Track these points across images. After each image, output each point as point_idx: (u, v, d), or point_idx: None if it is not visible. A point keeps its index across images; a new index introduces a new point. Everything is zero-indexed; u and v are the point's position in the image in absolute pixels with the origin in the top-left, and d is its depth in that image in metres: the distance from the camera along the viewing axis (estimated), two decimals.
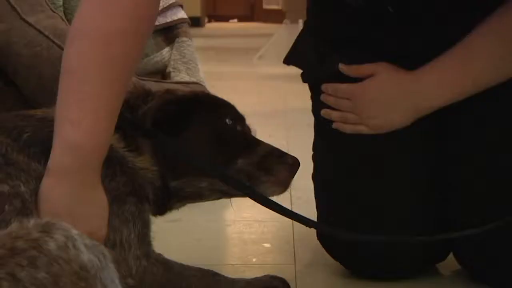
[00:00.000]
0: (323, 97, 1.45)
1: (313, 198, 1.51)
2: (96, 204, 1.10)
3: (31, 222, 0.81)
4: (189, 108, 1.25)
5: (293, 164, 1.27)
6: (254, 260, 1.58)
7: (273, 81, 4.25)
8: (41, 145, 1.14)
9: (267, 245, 1.63)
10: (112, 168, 1.19)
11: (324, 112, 1.44)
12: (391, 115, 1.38)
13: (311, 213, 1.51)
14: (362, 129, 1.40)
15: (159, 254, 1.23)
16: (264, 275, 1.37)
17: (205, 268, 1.26)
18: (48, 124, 1.16)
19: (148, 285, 1.17)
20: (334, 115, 1.43)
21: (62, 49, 1.66)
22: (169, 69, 1.98)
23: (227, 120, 1.27)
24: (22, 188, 1.08)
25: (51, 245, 0.78)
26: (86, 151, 1.06)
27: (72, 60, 1.08)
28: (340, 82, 1.42)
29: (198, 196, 1.29)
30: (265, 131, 2.46)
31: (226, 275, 1.32)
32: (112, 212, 1.16)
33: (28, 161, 1.12)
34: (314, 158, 1.54)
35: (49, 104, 1.65)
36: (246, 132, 1.30)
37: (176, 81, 1.94)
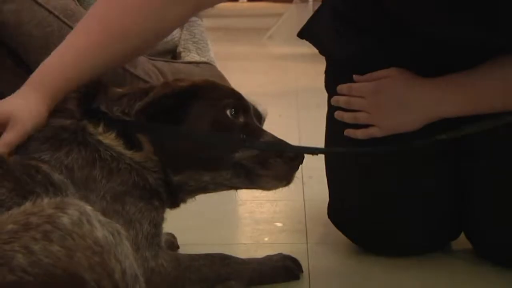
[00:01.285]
0: (333, 100, 1.44)
1: (324, 177, 1.51)
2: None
3: (45, 200, 0.81)
4: (186, 100, 1.23)
5: (295, 157, 1.23)
6: (266, 239, 1.58)
7: (283, 61, 4.23)
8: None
9: (279, 224, 1.63)
10: (107, 168, 1.17)
11: (337, 114, 1.43)
12: (404, 116, 1.37)
13: (323, 193, 1.51)
14: (374, 132, 1.38)
15: (168, 252, 1.22)
16: (276, 254, 1.38)
17: (218, 247, 1.26)
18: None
19: (155, 285, 1.17)
20: (346, 116, 1.42)
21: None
22: (180, 49, 1.97)
23: (228, 112, 1.24)
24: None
25: (65, 220, 0.78)
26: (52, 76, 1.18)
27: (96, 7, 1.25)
28: (356, 67, 1.41)
29: (203, 190, 1.27)
30: (275, 111, 2.45)
31: (238, 254, 1.33)
32: (116, 212, 1.15)
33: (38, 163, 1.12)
34: (326, 136, 1.53)
35: None
36: (249, 123, 1.26)
37: (187, 61, 1.93)
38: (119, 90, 1.27)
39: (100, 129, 1.20)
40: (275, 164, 1.22)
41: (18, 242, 0.76)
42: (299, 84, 3.36)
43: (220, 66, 2.01)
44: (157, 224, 1.22)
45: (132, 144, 1.21)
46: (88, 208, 0.81)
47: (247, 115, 1.26)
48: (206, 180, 1.25)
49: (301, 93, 3.14)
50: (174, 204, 1.28)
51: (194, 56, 1.96)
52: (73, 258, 0.76)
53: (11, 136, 1.12)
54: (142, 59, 1.79)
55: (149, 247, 1.18)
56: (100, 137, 1.19)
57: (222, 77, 1.95)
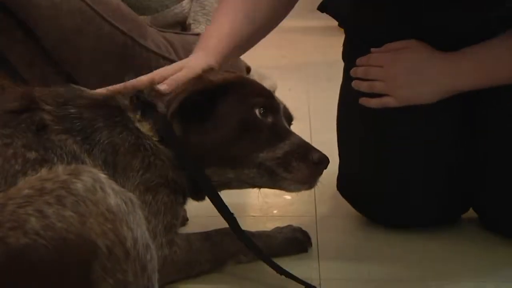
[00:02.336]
0: (352, 71, 1.45)
1: (334, 150, 1.51)
2: None
3: (60, 167, 0.82)
4: (216, 98, 1.22)
5: (319, 162, 1.22)
6: (275, 212, 1.58)
7: (293, 35, 4.21)
8: (81, 122, 1.15)
9: (288, 197, 1.64)
10: (147, 160, 1.19)
11: (354, 83, 1.44)
12: (421, 87, 1.37)
13: (332, 165, 1.50)
14: (389, 101, 1.39)
15: (181, 236, 1.23)
16: (285, 226, 1.38)
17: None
18: (92, 103, 1.18)
19: (167, 271, 1.18)
20: (363, 85, 1.42)
21: (82, 0, 1.67)
22: (189, 20, 1.97)
23: (257, 110, 1.23)
24: (55, 160, 1.08)
25: (79, 186, 0.79)
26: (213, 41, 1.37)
27: None
28: (375, 39, 1.42)
29: (227, 186, 1.27)
30: (285, 85, 2.45)
31: (247, 227, 1.33)
32: (145, 202, 1.16)
33: (63, 136, 1.13)
34: (339, 107, 1.54)
35: (72, 57, 1.68)
36: (277, 124, 1.25)
37: (196, 33, 1.92)
38: None
39: (138, 116, 1.21)
40: (298, 168, 1.21)
41: (32, 206, 0.76)
42: (310, 58, 3.35)
43: None
44: (178, 216, 1.24)
45: (163, 138, 1.21)
46: (102, 175, 0.82)
47: (276, 115, 1.25)
48: (230, 177, 1.24)
49: (311, 66, 3.13)
50: (199, 198, 1.29)
51: (203, 28, 1.95)
52: (85, 223, 0.77)
53: (179, 75, 1.27)
54: (152, 31, 1.78)
55: (166, 235, 1.20)
56: (138, 124, 1.20)
57: None
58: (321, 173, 1.23)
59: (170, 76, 1.26)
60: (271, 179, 1.23)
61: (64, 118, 1.15)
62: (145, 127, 1.20)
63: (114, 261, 0.78)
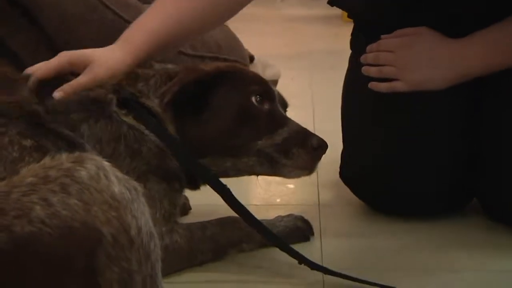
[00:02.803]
0: (362, 57, 1.45)
1: (336, 141, 1.51)
2: None
3: (63, 155, 0.82)
4: (211, 86, 1.21)
5: (318, 147, 1.22)
6: (278, 200, 1.59)
7: (296, 23, 4.20)
8: (62, 115, 1.15)
9: (291, 186, 1.64)
10: (132, 147, 1.18)
11: (364, 68, 1.44)
12: (432, 72, 1.38)
13: (335, 153, 1.51)
14: (398, 86, 1.39)
15: (182, 225, 1.23)
16: (287, 215, 1.38)
17: (229, 208, 1.27)
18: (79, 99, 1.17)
19: (168, 261, 1.18)
20: (373, 70, 1.43)
21: None
22: None
23: (253, 98, 1.23)
24: (49, 146, 1.09)
25: (83, 174, 0.79)
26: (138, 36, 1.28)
27: None
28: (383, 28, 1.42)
29: (224, 174, 1.26)
30: (288, 74, 2.44)
31: None
32: None
33: (56, 125, 1.13)
34: (345, 92, 1.54)
35: (75, 45, 1.67)
36: (274, 111, 1.25)
37: None
38: (150, 68, 1.26)
39: (124, 111, 1.20)
40: (298, 154, 1.21)
41: (37, 194, 0.76)
42: (312, 47, 3.34)
43: (233, 28, 2.00)
44: (176, 204, 1.23)
45: (153, 127, 1.20)
46: (106, 163, 0.81)
47: (272, 102, 1.25)
48: (228, 165, 1.24)
49: (314, 55, 3.12)
50: (195, 186, 1.29)
51: None
52: (90, 211, 0.77)
53: (82, 80, 1.19)
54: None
55: (166, 224, 1.19)
56: (123, 117, 1.19)
57: (235, 37, 1.94)
58: (320, 158, 1.23)
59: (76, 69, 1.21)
60: (271, 166, 1.23)
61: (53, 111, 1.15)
62: (127, 117, 1.19)
63: (118, 249, 0.78)
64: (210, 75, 1.22)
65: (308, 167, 1.23)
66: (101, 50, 1.24)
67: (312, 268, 1.19)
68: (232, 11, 1.38)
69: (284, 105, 1.30)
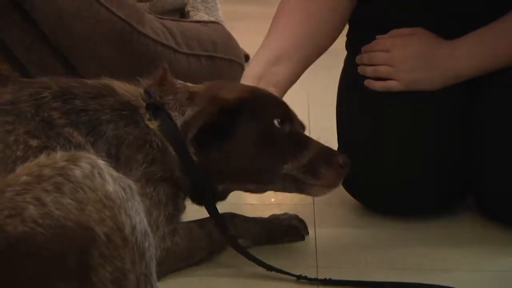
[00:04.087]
0: (358, 58, 1.46)
1: (332, 138, 1.51)
2: None
3: (58, 153, 0.81)
4: (234, 115, 1.21)
5: (343, 165, 1.23)
6: (272, 199, 1.58)
7: None
8: (86, 114, 1.15)
9: None
10: (151, 156, 1.18)
11: (359, 68, 1.45)
12: (427, 72, 1.39)
13: None
14: (392, 85, 1.40)
15: (182, 225, 1.23)
16: (282, 214, 1.39)
17: (225, 207, 1.27)
18: (98, 94, 1.17)
19: (169, 262, 1.19)
20: (368, 69, 1.44)
21: None
22: (188, 7, 1.96)
23: (275, 121, 1.22)
24: (57, 149, 1.09)
25: (77, 173, 0.78)
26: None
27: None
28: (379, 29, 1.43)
29: (244, 190, 1.29)
30: None
31: (245, 214, 1.34)
32: (145, 194, 1.16)
33: (70, 129, 1.13)
34: (340, 91, 1.55)
35: (69, 42, 1.67)
36: (295, 132, 1.25)
37: (195, 20, 1.92)
38: (176, 82, 1.26)
39: (148, 115, 1.20)
40: (326, 173, 1.22)
41: (30, 193, 0.76)
42: None
43: (229, 26, 2.00)
44: (180, 210, 1.24)
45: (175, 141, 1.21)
46: (101, 162, 0.81)
47: (292, 123, 1.25)
48: (250, 188, 1.26)
49: None
50: (199, 203, 1.28)
51: (202, 16, 1.95)
52: (84, 210, 0.77)
53: None
54: (150, 17, 1.78)
55: (168, 225, 1.20)
56: (150, 124, 1.20)
57: (230, 36, 1.94)
58: (345, 174, 1.24)
59: None
60: (297, 187, 1.24)
61: (70, 111, 1.14)
62: (154, 125, 1.20)
63: (112, 248, 0.78)
64: (233, 105, 1.21)
65: (335, 185, 1.25)
66: None
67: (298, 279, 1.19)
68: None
69: (302, 126, 1.30)
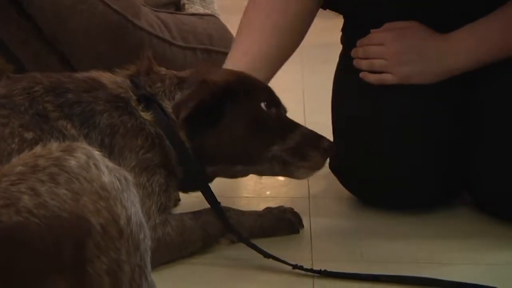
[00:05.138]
0: (353, 51, 1.46)
1: (327, 132, 1.51)
2: None
3: (54, 144, 0.81)
4: (223, 98, 1.24)
5: (328, 149, 1.27)
6: (268, 193, 1.59)
7: None
8: (80, 106, 1.16)
9: (281, 178, 1.63)
10: (151, 140, 1.20)
11: (355, 61, 1.46)
12: (422, 66, 1.39)
13: None
14: (387, 78, 1.41)
15: (174, 216, 1.24)
16: (277, 207, 1.39)
17: (220, 200, 1.27)
18: (89, 87, 1.19)
19: (161, 252, 1.20)
20: (363, 63, 1.44)
21: None
22: (183, 0, 1.96)
23: (262, 105, 1.26)
24: (51, 141, 1.09)
25: (72, 163, 0.78)
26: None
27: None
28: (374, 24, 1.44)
29: (230, 177, 1.32)
30: None
31: (240, 208, 1.34)
32: (138, 183, 1.17)
33: (63, 122, 1.14)
34: (335, 85, 1.55)
35: (65, 36, 1.66)
36: (281, 115, 1.29)
37: (190, 13, 1.91)
38: (161, 70, 1.28)
39: (141, 106, 1.22)
40: (313, 156, 1.26)
41: (25, 183, 0.76)
42: (304, 40, 3.33)
43: (224, 19, 1.99)
44: (171, 200, 1.25)
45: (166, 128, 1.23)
46: (96, 153, 0.81)
47: (278, 107, 1.29)
48: (238, 170, 1.28)
49: (306, 48, 3.11)
50: (187, 190, 1.31)
51: (198, 8, 1.95)
52: (79, 201, 0.76)
53: None
54: (146, 10, 1.77)
55: (159, 215, 1.21)
56: (142, 113, 1.22)
57: (226, 29, 1.93)
58: (328, 157, 1.30)
59: None
60: (282, 169, 1.27)
61: (63, 104, 1.16)
62: (148, 116, 1.22)
63: (108, 239, 0.78)
64: (223, 88, 1.24)
65: (319, 167, 1.29)
66: None
67: (293, 268, 1.20)
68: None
69: (284, 109, 1.32)
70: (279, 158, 1.26)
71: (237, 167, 1.27)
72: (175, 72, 1.30)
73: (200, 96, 1.22)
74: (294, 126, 1.28)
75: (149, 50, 1.30)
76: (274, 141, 1.25)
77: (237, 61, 1.40)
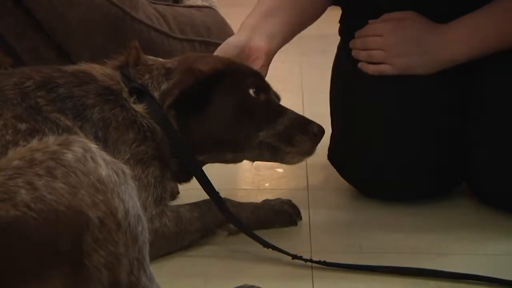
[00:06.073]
0: (351, 42, 1.46)
1: (325, 123, 1.50)
2: None
3: (51, 138, 0.81)
4: (210, 86, 1.23)
5: (318, 133, 1.26)
6: (266, 185, 1.59)
7: None
8: (71, 101, 1.16)
9: (280, 170, 1.64)
10: (143, 133, 1.20)
11: (353, 52, 1.46)
12: (419, 57, 1.39)
13: (323, 140, 1.50)
14: (385, 69, 1.41)
15: (171, 208, 1.24)
16: (274, 199, 1.39)
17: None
18: (80, 81, 1.19)
19: (158, 244, 1.20)
20: (362, 53, 1.44)
21: None
22: None
23: (250, 91, 1.25)
24: (46, 131, 1.09)
25: (69, 157, 0.78)
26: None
27: None
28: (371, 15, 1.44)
29: (223, 162, 1.31)
30: (278, 57, 2.42)
31: (238, 200, 1.34)
32: (133, 176, 1.16)
33: (57, 114, 1.14)
34: (333, 76, 1.55)
35: (62, 28, 1.66)
36: (270, 101, 1.28)
37: (189, 5, 1.91)
38: (148, 59, 1.28)
39: (133, 98, 1.22)
40: (301, 141, 1.25)
41: (22, 177, 0.76)
42: (303, 31, 3.33)
43: (223, 12, 1.99)
44: (167, 191, 1.25)
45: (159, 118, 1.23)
46: (93, 146, 0.81)
47: (267, 93, 1.28)
48: (228, 158, 1.28)
49: (304, 39, 3.10)
50: (182, 181, 1.31)
51: (196, 1, 1.94)
52: (76, 195, 0.76)
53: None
54: (144, 2, 1.77)
55: (155, 207, 1.21)
56: (133, 105, 1.22)
57: (224, 21, 1.93)
58: (319, 143, 1.27)
59: None
60: (272, 155, 1.26)
61: (55, 99, 1.15)
62: (140, 108, 1.22)
63: (105, 233, 0.78)
64: (209, 75, 1.23)
65: (309, 152, 1.27)
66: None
67: (293, 258, 1.20)
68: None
69: (277, 97, 1.32)
70: (268, 144, 1.25)
71: (227, 154, 1.27)
72: (162, 61, 1.29)
73: (184, 83, 1.22)
74: (283, 111, 1.27)
75: (136, 40, 1.29)
76: (262, 126, 1.24)
77: (253, 13, 1.41)
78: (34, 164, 0.77)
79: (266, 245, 1.20)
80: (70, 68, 1.24)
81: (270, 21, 1.39)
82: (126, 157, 1.19)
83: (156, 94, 1.24)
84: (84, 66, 1.25)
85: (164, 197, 1.23)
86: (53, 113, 1.13)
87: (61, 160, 0.77)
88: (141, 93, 1.23)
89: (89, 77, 1.21)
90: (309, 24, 1.49)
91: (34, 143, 0.80)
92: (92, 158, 0.79)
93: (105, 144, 1.17)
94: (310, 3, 1.46)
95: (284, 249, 1.20)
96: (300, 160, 1.28)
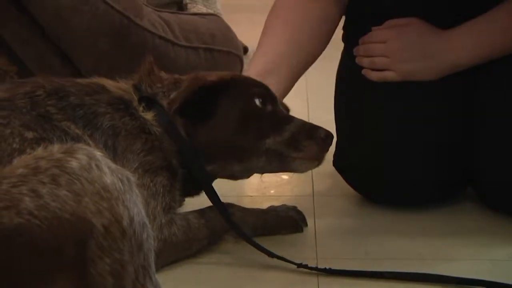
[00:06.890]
0: (355, 50, 1.46)
1: (331, 129, 1.50)
2: None
3: (55, 146, 0.81)
4: (216, 95, 1.24)
5: (325, 138, 1.25)
6: (272, 191, 1.58)
7: None
8: (82, 109, 1.17)
9: (285, 176, 1.63)
10: (151, 143, 1.21)
11: (358, 59, 1.46)
12: (423, 62, 1.39)
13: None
14: (389, 75, 1.41)
15: (179, 215, 1.24)
16: (280, 205, 1.39)
17: (224, 199, 1.27)
18: (92, 91, 1.20)
19: (167, 253, 1.20)
20: (365, 60, 1.44)
21: None
22: (186, 0, 1.96)
23: (256, 101, 1.25)
24: (54, 140, 1.10)
25: (74, 165, 0.78)
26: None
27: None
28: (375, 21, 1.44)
29: (231, 178, 1.31)
30: None
31: (244, 206, 1.34)
32: (143, 185, 1.18)
33: (67, 123, 1.14)
34: (337, 82, 1.55)
35: (67, 36, 1.66)
36: (277, 111, 1.28)
37: (193, 13, 1.92)
38: (162, 73, 1.29)
39: (142, 107, 1.23)
40: (308, 146, 1.24)
41: (26, 185, 0.76)
42: None
43: (227, 19, 2.00)
44: (176, 200, 1.25)
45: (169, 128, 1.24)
46: (98, 153, 0.81)
47: (274, 104, 1.28)
48: (236, 169, 1.27)
49: None
50: (191, 194, 1.31)
51: (200, 8, 1.95)
52: (80, 202, 0.76)
53: None
54: (148, 10, 1.77)
55: (164, 215, 1.21)
56: (142, 114, 1.23)
57: (228, 28, 1.94)
58: (328, 149, 1.27)
59: None
60: (280, 162, 1.26)
61: (66, 107, 1.16)
62: (149, 116, 1.23)
63: (110, 240, 0.78)
64: (214, 82, 1.25)
65: (318, 158, 1.26)
66: None
67: (298, 267, 1.20)
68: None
69: (287, 109, 1.33)
70: (275, 151, 1.25)
71: (234, 165, 1.26)
72: (175, 75, 1.30)
73: (190, 89, 1.23)
74: (289, 119, 1.27)
75: (151, 54, 1.31)
76: (268, 133, 1.24)
77: (256, 61, 1.41)
78: (39, 172, 0.77)
79: (272, 255, 1.20)
80: (83, 80, 1.25)
81: (269, 79, 1.37)
82: (135, 166, 1.19)
83: (165, 103, 1.25)
84: (97, 79, 1.26)
85: (173, 205, 1.24)
86: (63, 122, 1.14)
87: (65, 168, 0.77)
88: (150, 102, 1.24)
89: (101, 88, 1.23)
90: (302, 73, 1.49)
91: (39, 151, 0.80)
92: (96, 165, 0.79)
93: (114, 152, 1.17)
94: (302, 61, 1.46)
95: (290, 255, 1.20)
96: (308, 168, 1.28)
